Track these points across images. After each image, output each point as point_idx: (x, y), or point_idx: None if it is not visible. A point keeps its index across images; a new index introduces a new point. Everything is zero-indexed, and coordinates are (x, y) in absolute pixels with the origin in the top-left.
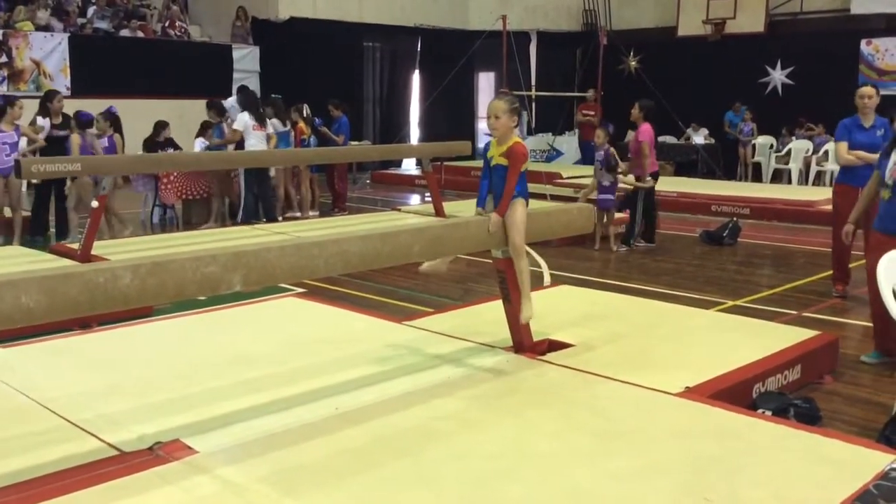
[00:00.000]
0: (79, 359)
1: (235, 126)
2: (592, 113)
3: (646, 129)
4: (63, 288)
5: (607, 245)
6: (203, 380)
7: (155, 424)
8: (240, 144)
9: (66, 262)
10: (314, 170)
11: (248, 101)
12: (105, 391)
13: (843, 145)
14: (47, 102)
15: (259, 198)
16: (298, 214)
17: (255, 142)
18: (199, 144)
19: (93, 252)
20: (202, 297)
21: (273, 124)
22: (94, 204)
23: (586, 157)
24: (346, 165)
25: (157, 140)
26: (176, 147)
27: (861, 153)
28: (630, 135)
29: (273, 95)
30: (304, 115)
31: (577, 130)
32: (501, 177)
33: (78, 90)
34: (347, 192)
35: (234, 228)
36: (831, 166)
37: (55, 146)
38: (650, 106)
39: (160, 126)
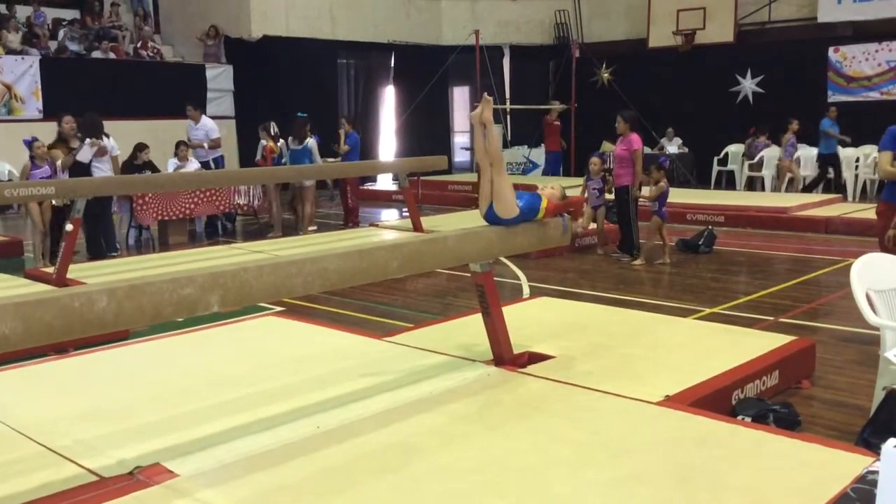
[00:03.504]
0: (55, 384)
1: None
2: (558, 123)
3: (636, 138)
4: (38, 314)
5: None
6: (182, 402)
7: (134, 448)
8: (85, 170)
9: (42, 286)
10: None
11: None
12: (83, 416)
13: (888, 155)
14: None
15: (95, 230)
16: (311, 228)
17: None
18: (173, 165)
19: (69, 276)
20: (180, 319)
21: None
22: (69, 227)
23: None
24: (356, 180)
25: (135, 163)
26: (154, 170)
27: None
28: (605, 145)
29: (299, 114)
30: (272, 133)
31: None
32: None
33: (50, 112)
34: (359, 206)
35: (211, 248)
36: (803, 172)
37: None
38: (634, 116)
39: (139, 148)
